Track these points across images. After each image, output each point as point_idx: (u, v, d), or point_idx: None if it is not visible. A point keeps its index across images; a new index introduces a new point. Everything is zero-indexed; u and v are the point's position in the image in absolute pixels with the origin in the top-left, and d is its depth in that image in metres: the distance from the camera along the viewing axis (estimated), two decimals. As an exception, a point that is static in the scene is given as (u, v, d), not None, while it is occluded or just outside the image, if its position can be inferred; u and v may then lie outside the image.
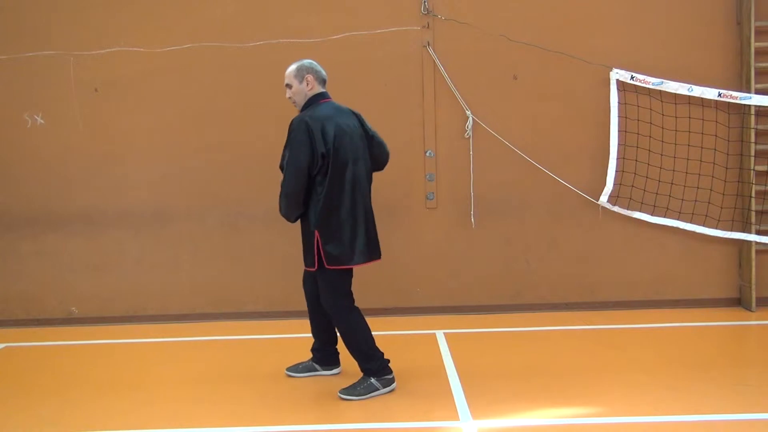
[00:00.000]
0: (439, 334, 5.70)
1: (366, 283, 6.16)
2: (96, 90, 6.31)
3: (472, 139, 6.24)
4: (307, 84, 4.42)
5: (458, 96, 6.21)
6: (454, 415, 4.11)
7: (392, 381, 4.48)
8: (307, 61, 4.49)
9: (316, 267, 4.34)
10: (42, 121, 6.34)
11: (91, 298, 6.41)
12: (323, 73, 4.50)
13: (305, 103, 4.45)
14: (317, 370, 4.84)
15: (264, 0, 6.25)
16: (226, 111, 6.28)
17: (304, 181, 4.26)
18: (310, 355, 4.91)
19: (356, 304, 4.52)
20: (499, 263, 6.34)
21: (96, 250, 6.39)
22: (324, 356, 4.83)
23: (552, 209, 6.29)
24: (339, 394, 4.40)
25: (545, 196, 6.27)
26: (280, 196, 4.35)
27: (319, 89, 4.46)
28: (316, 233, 4.30)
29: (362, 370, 4.48)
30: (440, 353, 5.24)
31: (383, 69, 6.24)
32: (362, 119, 4.57)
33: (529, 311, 6.31)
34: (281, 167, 4.38)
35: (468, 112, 6.21)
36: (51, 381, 4.93)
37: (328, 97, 4.51)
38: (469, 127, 6.21)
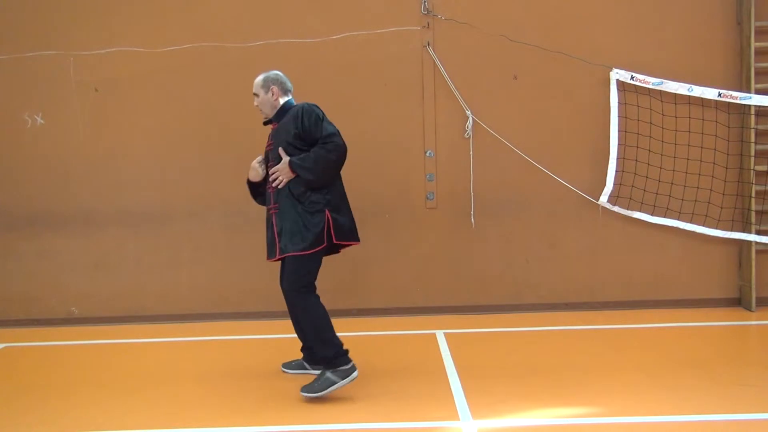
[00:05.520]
0: (439, 334, 5.70)
1: (366, 283, 6.18)
2: (96, 90, 6.31)
3: (472, 139, 6.24)
4: (272, 94, 4.65)
5: (458, 96, 6.21)
6: (454, 415, 4.10)
7: (351, 371, 4.38)
8: (273, 73, 4.72)
9: (324, 244, 4.41)
10: (42, 121, 6.34)
11: (91, 298, 6.41)
12: (288, 84, 4.73)
13: (279, 111, 4.65)
14: (306, 369, 4.85)
15: (264, 0, 6.25)
16: (227, 111, 6.29)
17: None
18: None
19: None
20: (499, 263, 6.34)
21: (96, 250, 6.40)
22: (312, 354, 4.82)
23: (552, 209, 6.29)
24: (300, 392, 4.36)
25: (545, 196, 6.27)
26: (328, 159, 4.38)
27: (284, 99, 4.68)
28: (327, 212, 4.43)
29: (320, 360, 4.46)
30: (440, 353, 5.24)
31: (383, 69, 6.24)
32: None
33: (529, 311, 6.31)
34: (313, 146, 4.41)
35: (468, 112, 6.21)
36: (51, 381, 4.93)
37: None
38: (469, 127, 6.21)
